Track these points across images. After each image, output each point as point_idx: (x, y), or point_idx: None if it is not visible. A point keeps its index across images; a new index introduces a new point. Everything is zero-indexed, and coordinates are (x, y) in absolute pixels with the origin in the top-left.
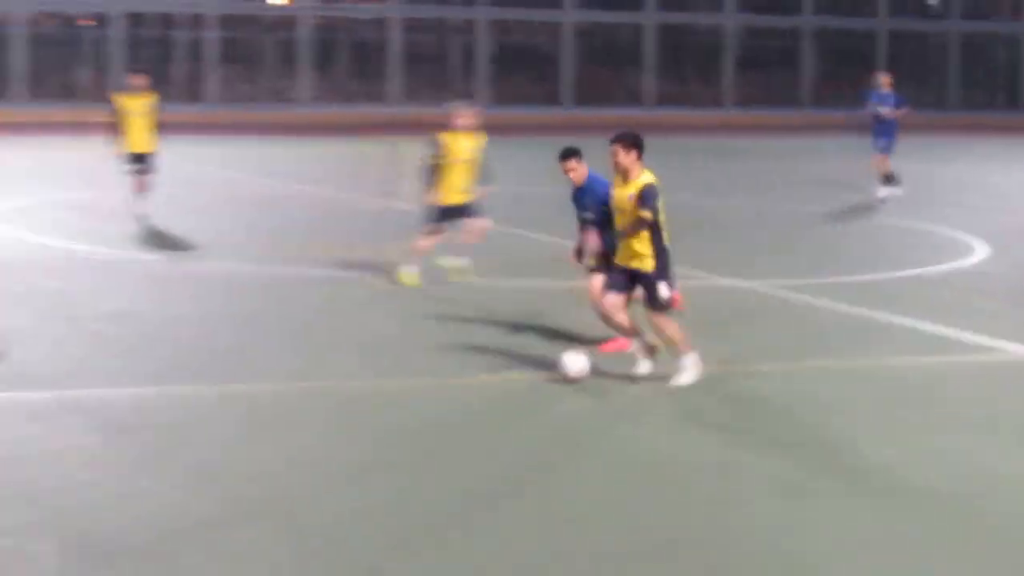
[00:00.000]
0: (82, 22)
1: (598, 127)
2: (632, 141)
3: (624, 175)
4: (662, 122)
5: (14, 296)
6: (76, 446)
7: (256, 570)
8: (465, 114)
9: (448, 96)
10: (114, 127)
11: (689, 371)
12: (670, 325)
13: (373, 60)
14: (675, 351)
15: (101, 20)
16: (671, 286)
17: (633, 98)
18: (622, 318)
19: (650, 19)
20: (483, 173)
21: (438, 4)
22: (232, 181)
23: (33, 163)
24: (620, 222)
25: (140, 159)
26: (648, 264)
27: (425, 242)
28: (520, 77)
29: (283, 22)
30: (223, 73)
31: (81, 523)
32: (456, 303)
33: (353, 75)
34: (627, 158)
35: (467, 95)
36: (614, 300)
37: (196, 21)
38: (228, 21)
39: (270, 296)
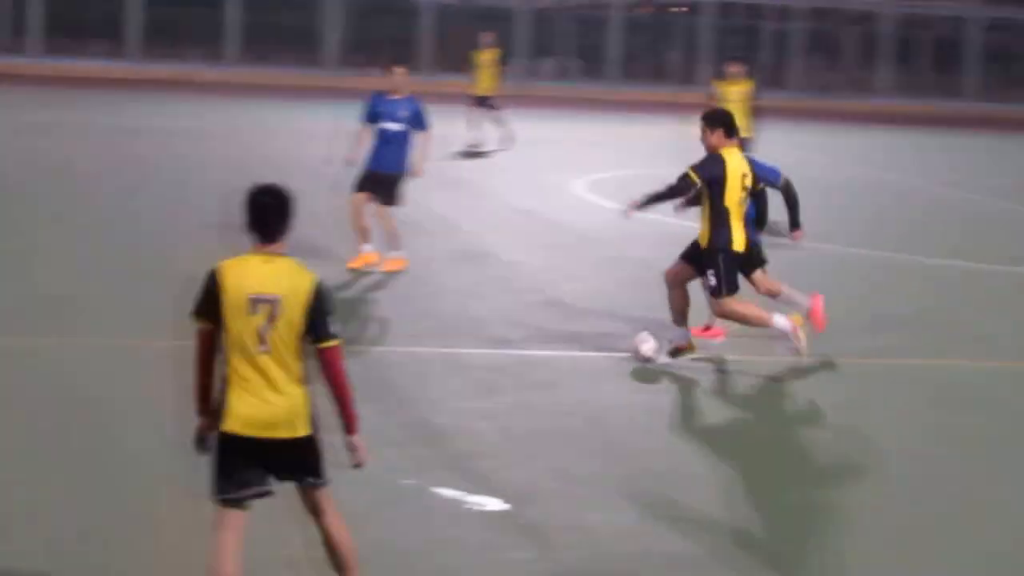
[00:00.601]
0: (674, 10)
1: None
2: (715, 119)
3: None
4: None
5: (604, 262)
6: (653, 406)
7: None
8: None
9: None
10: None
11: (796, 341)
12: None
13: (950, 57)
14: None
15: (692, 8)
16: (725, 274)
17: None
18: (741, 310)
19: None
20: None
21: (1017, 6)
22: (820, 167)
23: (624, 139)
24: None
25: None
26: (704, 239)
27: None
28: None
29: (865, 16)
30: (806, 62)
31: (661, 486)
32: None
33: (931, 70)
34: (712, 137)
35: None
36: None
37: (783, 12)
38: (814, 14)
39: (874, 281)
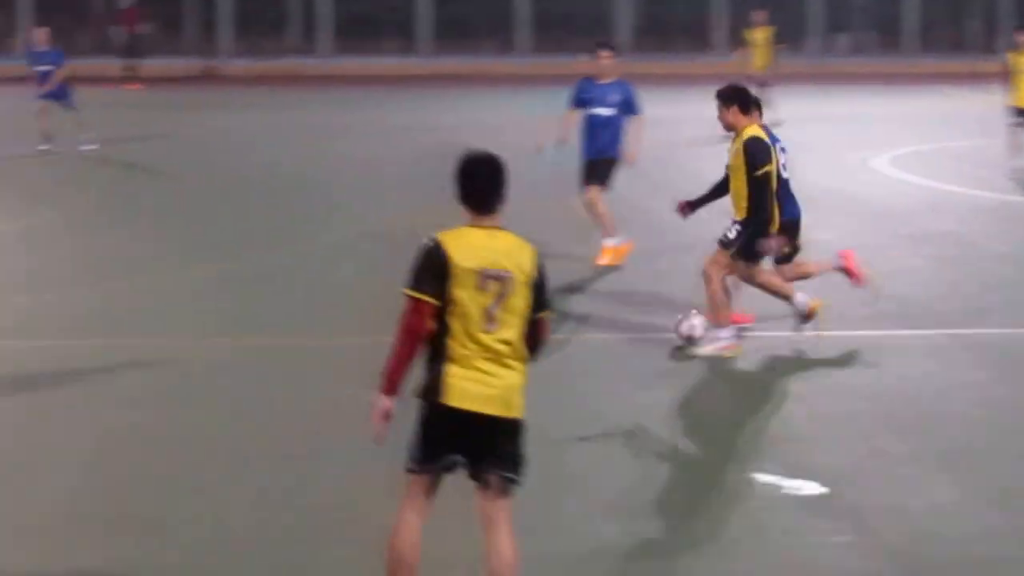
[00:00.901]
0: None
1: None
2: (730, 96)
3: (732, 131)
4: None
5: (910, 239)
6: (967, 383)
7: None
8: None
9: None
10: (1005, 80)
11: (717, 344)
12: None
13: None
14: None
15: None
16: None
17: None
18: (718, 279)
19: None
20: None
21: None
22: None
23: (925, 112)
24: (732, 181)
25: None
26: (741, 213)
27: None
28: None
29: None
30: None
31: (978, 460)
32: None
33: None
34: (728, 114)
35: None
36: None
37: None
38: None
39: None
